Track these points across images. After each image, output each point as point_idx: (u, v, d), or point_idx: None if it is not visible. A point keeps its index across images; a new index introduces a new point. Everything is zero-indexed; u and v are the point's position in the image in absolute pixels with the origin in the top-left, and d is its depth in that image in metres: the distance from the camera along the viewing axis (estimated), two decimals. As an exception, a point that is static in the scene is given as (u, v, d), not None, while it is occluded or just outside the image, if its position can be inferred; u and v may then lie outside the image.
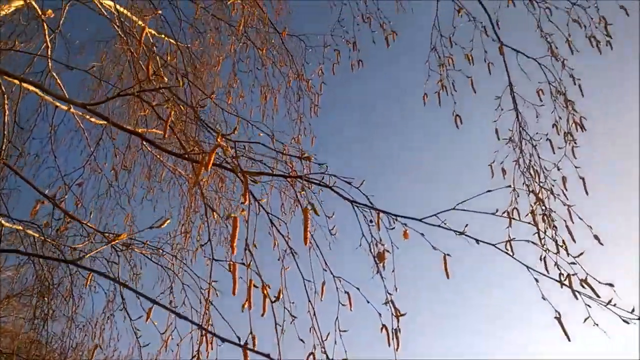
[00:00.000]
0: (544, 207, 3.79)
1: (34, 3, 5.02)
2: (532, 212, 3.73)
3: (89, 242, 3.56)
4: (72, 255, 4.01)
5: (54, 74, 5.39)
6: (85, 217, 5.20)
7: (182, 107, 3.19)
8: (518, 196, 3.76)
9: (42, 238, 3.97)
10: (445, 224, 2.37)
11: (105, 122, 5.68)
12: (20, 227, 4.06)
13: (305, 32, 5.18)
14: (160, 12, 4.97)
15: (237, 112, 5.63)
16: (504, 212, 3.38)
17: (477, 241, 2.35)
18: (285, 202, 5.04)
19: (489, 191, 2.48)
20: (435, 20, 4.37)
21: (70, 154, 6.20)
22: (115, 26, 5.28)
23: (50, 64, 5.45)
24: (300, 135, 5.12)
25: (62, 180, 4.81)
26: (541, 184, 3.93)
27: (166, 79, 4.92)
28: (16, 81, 3.25)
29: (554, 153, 3.79)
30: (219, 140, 2.28)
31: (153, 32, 6.79)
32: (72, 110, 5.12)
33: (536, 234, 3.17)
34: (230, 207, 5.81)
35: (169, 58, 6.71)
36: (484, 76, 4.25)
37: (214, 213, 4.60)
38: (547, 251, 2.69)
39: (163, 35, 6.44)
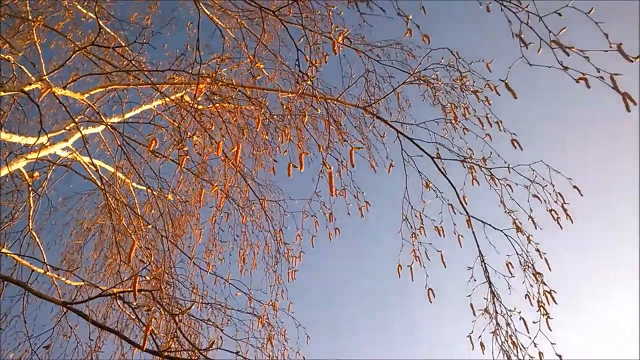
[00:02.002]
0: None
1: (22, 169, 5.21)
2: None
3: None
4: None
5: (34, 232, 5.44)
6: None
7: (161, 312, 3.20)
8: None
9: None
10: None
11: (81, 283, 5.64)
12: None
13: (284, 197, 5.42)
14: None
15: (214, 269, 5.67)
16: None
17: None
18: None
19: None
20: (406, 193, 4.66)
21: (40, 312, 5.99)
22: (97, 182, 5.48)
23: (30, 223, 5.50)
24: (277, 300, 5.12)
25: (29, 343, 4.63)
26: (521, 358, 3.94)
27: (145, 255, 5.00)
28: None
29: (528, 332, 3.84)
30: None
31: (135, 184, 7.02)
32: (48, 273, 5.08)
33: None
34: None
35: (147, 209, 6.88)
36: (456, 246, 4.44)
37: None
38: None
39: (144, 187, 6.62)
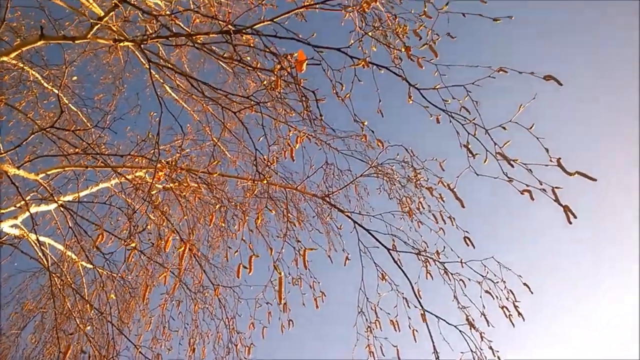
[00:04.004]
0: None
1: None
2: None
3: None
4: None
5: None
6: None
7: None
8: None
9: None
10: None
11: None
12: None
13: (239, 283, 5.29)
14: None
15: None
16: None
17: None
18: None
19: None
20: (362, 284, 4.65)
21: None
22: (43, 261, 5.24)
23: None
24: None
25: None
26: None
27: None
28: None
29: None
30: None
31: (84, 263, 6.75)
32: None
33: None
34: None
35: (95, 292, 6.57)
36: (411, 341, 4.39)
37: None
38: None
39: (92, 266, 6.37)
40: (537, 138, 2.83)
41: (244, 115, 3.68)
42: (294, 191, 5.28)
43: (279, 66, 2.75)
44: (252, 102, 3.44)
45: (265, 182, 3.57)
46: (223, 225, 5.12)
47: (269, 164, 3.61)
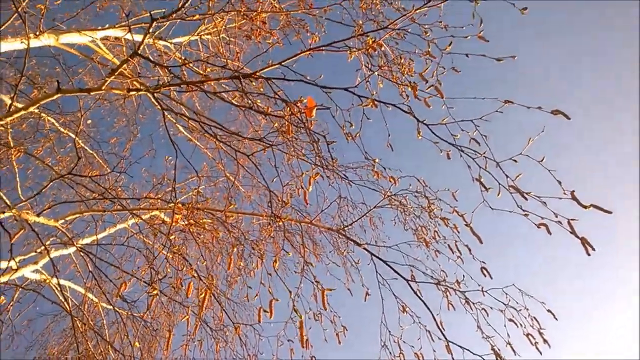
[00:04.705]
0: None
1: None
2: None
3: None
4: None
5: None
6: None
7: None
8: None
9: None
10: None
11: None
12: None
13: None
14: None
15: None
16: None
17: None
18: None
19: None
20: (383, 317, 4.61)
21: None
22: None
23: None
24: None
25: None
26: None
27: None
28: None
29: None
30: None
31: (105, 304, 6.80)
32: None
33: None
34: None
35: (117, 334, 6.60)
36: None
37: None
38: None
39: (113, 308, 6.42)
40: (549, 170, 2.82)
41: (256, 156, 3.74)
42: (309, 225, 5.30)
43: (289, 112, 2.81)
44: (265, 144, 3.50)
45: (281, 222, 3.61)
46: (241, 263, 5.14)
47: (284, 204, 3.65)
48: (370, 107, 2.99)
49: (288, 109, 2.82)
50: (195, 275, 4.08)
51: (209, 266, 5.11)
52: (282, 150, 3.43)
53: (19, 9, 4.23)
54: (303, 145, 3.56)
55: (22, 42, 4.61)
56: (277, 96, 2.94)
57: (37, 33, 4.95)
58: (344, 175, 4.09)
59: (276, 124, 3.31)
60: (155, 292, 3.80)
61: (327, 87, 3.20)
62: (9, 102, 5.15)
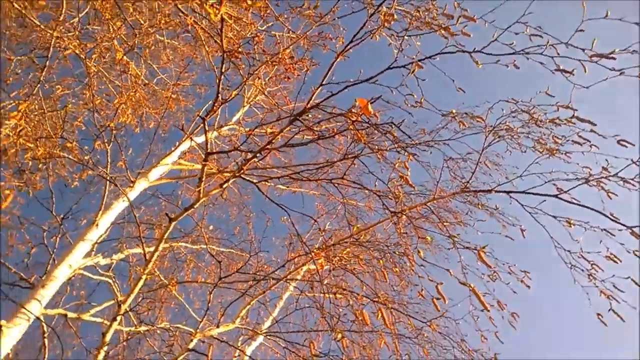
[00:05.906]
0: None
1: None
2: None
3: None
4: None
5: None
6: None
7: None
8: None
9: None
10: None
11: None
12: None
13: None
14: None
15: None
16: None
17: None
18: None
19: None
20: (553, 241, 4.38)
21: None
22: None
23: None
24: None
25: None
26: None
27: None
28: None
29: None
30: None
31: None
32: None
33: None
34: None
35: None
36: None
37: None
38: None
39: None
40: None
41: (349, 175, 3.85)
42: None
43: (351, 122, 2.88)
44: (350, 157, 3.59)
45: (403, 216, 3.64)
46: (395, 270, 5.20)
47: (396, 197, 3.69)
48: (417, 71, 2.97)
49: (350, 121, 2.89)
50: (366, 299, 4.22)
51: (372, 286, 5.22)
52: (366, 154, 3.50)
53: (107, 178, 4.82)
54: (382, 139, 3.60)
55: (123, 201, 5.21)
56: (333, 112, 3.04)
57: (130, 185, 5.58)
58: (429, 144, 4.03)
59: (350, 139, 3.40)
60: (341, 336, 3.97)
61: (372, 78, 3.23)
62: (140, 251, 5.81)
